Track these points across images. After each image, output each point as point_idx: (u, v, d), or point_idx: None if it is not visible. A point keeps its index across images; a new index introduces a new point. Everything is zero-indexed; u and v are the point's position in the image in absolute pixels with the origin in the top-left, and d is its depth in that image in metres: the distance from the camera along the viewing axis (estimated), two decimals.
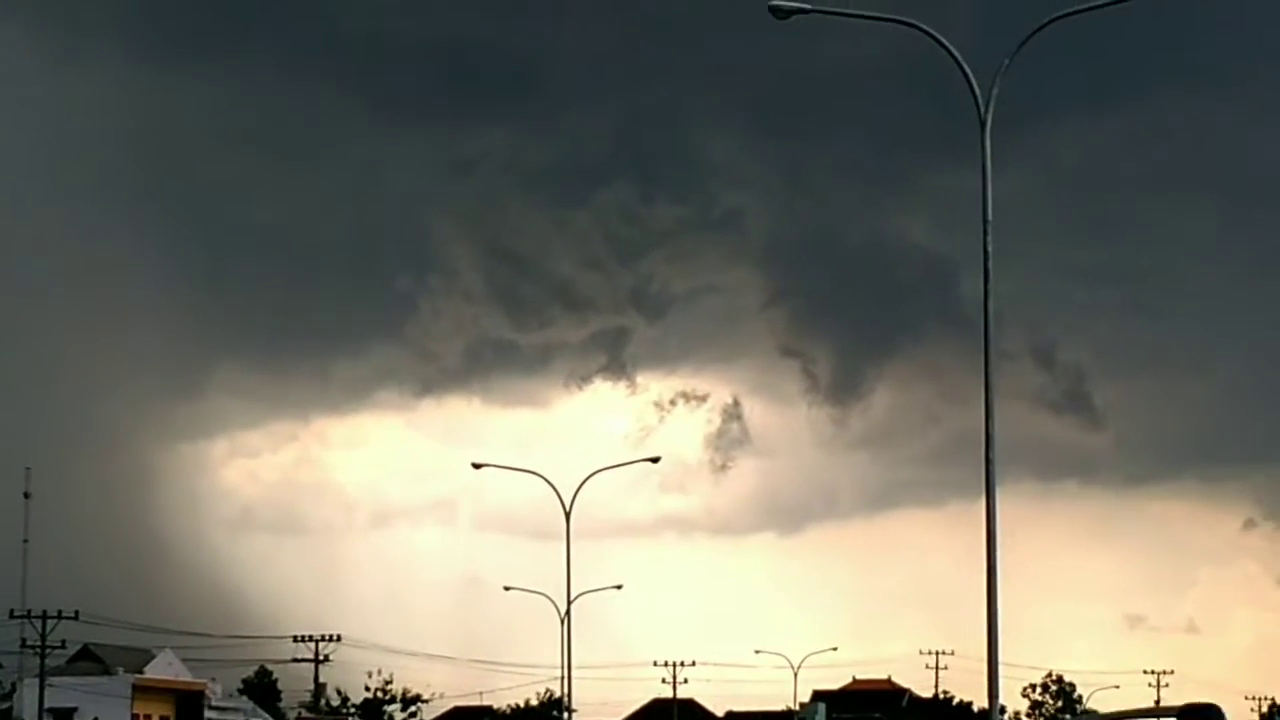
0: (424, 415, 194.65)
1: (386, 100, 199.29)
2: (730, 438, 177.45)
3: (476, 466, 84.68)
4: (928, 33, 33.75)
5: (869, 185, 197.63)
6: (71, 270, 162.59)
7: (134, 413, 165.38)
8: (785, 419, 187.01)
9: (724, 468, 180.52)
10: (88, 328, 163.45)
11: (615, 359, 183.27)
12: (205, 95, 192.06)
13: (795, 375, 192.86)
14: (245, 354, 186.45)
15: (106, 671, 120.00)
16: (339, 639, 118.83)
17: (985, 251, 33.29)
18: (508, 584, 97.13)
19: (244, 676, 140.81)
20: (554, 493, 79.24)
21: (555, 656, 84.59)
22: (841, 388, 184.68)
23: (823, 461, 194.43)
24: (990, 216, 33.32)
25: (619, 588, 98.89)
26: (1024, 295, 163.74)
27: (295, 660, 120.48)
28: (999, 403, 32.92)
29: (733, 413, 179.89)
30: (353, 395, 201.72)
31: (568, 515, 78.28)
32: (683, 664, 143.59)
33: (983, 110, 33.38)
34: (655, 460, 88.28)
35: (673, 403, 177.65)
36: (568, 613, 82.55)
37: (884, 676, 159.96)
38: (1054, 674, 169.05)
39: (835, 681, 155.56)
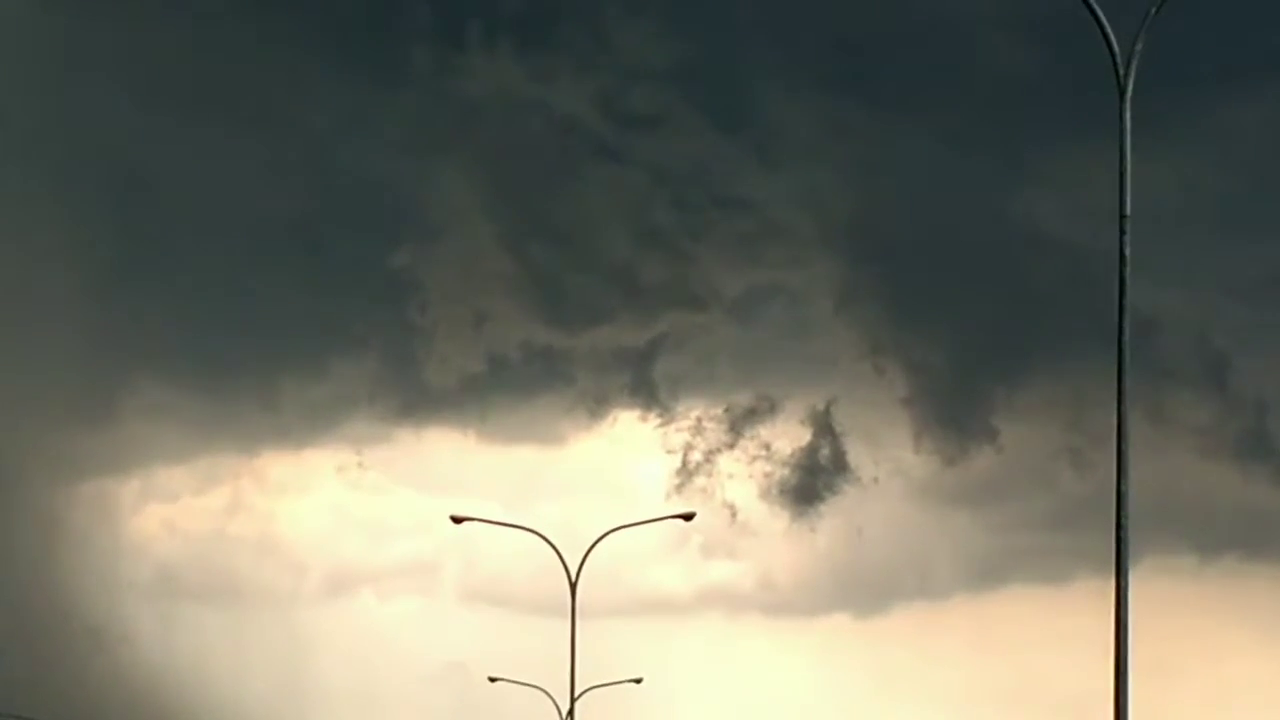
0: (399, 450, 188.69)
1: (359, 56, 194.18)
2: (797, 487, 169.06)
3: (456, 521, 78.55)
4: None
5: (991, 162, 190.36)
6: None
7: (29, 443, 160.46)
8: (869, 464, 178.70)
9: (788, 528, 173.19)
10: None
11: (644, 380, 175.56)
12: (128, 40, 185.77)
13: (883, 406, 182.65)
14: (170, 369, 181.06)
15: None
16: None
17: (1122, 255, 27.05)
18: (494, 674, 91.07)
19: None
20: (557, 556, 73.26)
21: None
22: (945, 424, 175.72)
23: (916, 522, 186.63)
24: (1129, 211, 27.17)
25: (638, 681, 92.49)
26: (1191, 306, 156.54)
27: None
28: (1157, 445, 27.14)
29: (802, 454, 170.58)
30: (307, 424, 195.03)
31: (573, 586, 72.15)
32: None
33: (1121, 75, 27.07)
34: (688, 518, 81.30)
35: (722, 439, 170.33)
36: (570, 712, 76.28)
37: None
38: None
39: None
